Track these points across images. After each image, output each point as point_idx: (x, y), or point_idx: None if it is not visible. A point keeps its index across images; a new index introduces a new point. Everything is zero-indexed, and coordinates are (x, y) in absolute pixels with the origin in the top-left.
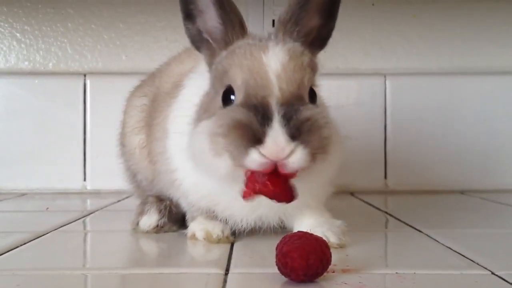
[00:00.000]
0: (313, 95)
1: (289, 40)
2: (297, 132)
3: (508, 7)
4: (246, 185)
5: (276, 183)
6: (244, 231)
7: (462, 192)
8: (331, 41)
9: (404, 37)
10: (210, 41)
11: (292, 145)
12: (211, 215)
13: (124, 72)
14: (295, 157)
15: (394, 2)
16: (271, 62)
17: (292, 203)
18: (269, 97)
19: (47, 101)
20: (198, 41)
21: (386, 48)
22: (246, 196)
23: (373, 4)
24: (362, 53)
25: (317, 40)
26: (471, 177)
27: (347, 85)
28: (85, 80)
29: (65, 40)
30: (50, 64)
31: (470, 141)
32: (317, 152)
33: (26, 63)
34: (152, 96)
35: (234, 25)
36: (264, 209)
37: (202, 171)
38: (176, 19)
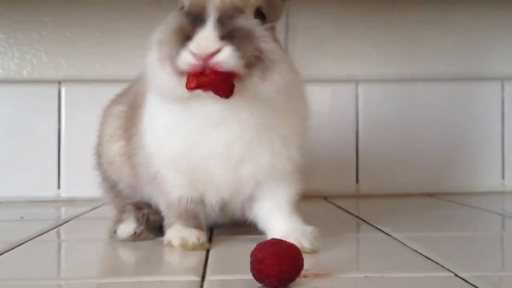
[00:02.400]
0: (261, 18)
1: None
2: (229, 36)
3: (477, 15)
4: (188, 78)
5: (216, 76)
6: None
7: (431, 195)
8: (304, 48)
9: (375, 45)
10: None
11: (220, 43)
12: (190, 215)
13: (100, 79)
14: (222, 54)
15: (366, 10)
16: None
17: (262, 166)
18: (207, 3)
19: (22, 108)
20: None
21: (358, 55)
22: (188, 85)
23: (345, 12)
24: (334, 60)
25: None
26: (440, 180)
27: (320, 92)
28: (59, 87)
29: (40, 48)
30: (25, 72)
31: (439, 145)
32: (251, 62)
33: (1, 71)
34: (130, 103)
35: None
36: (238, 151)
37: (152, 85)
38: (151, 27)
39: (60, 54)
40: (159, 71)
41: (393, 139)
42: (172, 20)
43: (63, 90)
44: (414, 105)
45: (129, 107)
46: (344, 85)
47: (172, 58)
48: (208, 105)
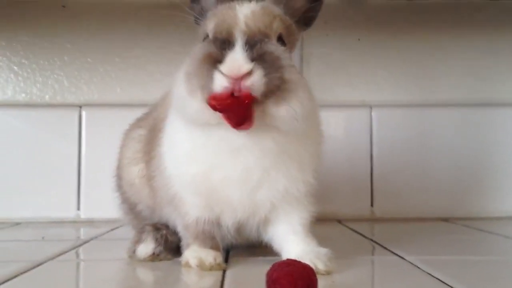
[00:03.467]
0: (282, 44)
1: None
2: (259, 58)
3: (490, 41)
4: (212, 99)
5: (237, 104)
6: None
7: (445, 220)
8: (319, 74)
9: (389, 71)
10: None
11: (251, 64)
12: (207, 236)
13: (119, 104)
14: (254, 78)
15: (379, 37)
16: (243, 9)
17: (278, 190)
18: (234, 29)
19: (43, 132)
20: (200, 17)
21: (372, 81)
22: (210, 103)
23: (359, 39)
24: (348, 85)
25: (303, 18)
26: (454, 205)
27: (335, 116)
28: (80, 111)
29: (62, 73)
30: (47, 96)
31: (454, 170)
32: (274, 89)
33: (23, 95)
34: (150, 127)
35: None
36: (256, 176)
37: (180, 114)
38: (170, 53)
39: (81, 79)
40: (190, 101)
41: (408, 163)
42: (198, 51)
43: (83, 114)
44: (427, 130)
45: (149, 131)
46: (358, 110)
47: (203, 88)
48: (231, 131)
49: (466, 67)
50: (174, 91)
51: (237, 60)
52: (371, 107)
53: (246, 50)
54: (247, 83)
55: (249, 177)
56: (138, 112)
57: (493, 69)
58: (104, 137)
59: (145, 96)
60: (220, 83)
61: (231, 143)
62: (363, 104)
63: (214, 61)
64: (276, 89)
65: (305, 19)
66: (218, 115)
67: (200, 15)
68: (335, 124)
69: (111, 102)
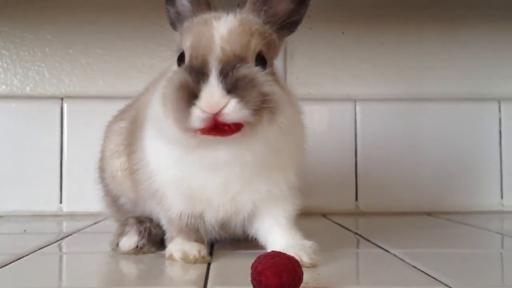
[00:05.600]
0: (262, 62)
1: (249, 15)
2: (233, 87)
3: (474, 37)
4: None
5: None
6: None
7: (429, 214)
8: (303, 67)
9: (373, 64)
10: (183, 20)
11: (227, 98)
12: (191, 229)
13: (101, 96)
14: (229, 107)
15: (363, 31)
16: (220, 27)
17: (259, 192)
18: (209, 55)
19: (24, 124)
20: (176, 22)
21: (356, 75)
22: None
23: (343, 33)
24: (333, 79)
25: (286, 23)
26: (438, 199)
27: (319, 110)
28: (62, 103)
29: (43, 65)
30: (28, 88)
31: (437, 165)
32: (259, 108)
33: (4, 87)
34: (132, 119)
35: (200, 2)
36: (237, 187)
37: (159, 136)
38: (153, 45)
39: (63, 71)
40: (165, 124)
41: (392, 157)
42: (175, 77)
43: (65, 106)
44: (412, 124)
45: (130, 123)
46: (342, 104)
47: (177, 114)
48: (212, 148)
49: (451, 62)
50: (152, 112)
51: (213, 95)
52: (355, 101)
53: (221, 81)
54: (225, 115)
55: (229, 188)
56: (121, 105)
57: (477, 63)
58: (86, 129)
59: (128, 88)
60: (199, 118)
61: (211, 161)
62: (347, 98)
63: (190, 95)
64: (263, 103)
65: (288, 24)
66: (198, 139)
67: (176, 19)
68: (319, 118)
69: (93, 94)
